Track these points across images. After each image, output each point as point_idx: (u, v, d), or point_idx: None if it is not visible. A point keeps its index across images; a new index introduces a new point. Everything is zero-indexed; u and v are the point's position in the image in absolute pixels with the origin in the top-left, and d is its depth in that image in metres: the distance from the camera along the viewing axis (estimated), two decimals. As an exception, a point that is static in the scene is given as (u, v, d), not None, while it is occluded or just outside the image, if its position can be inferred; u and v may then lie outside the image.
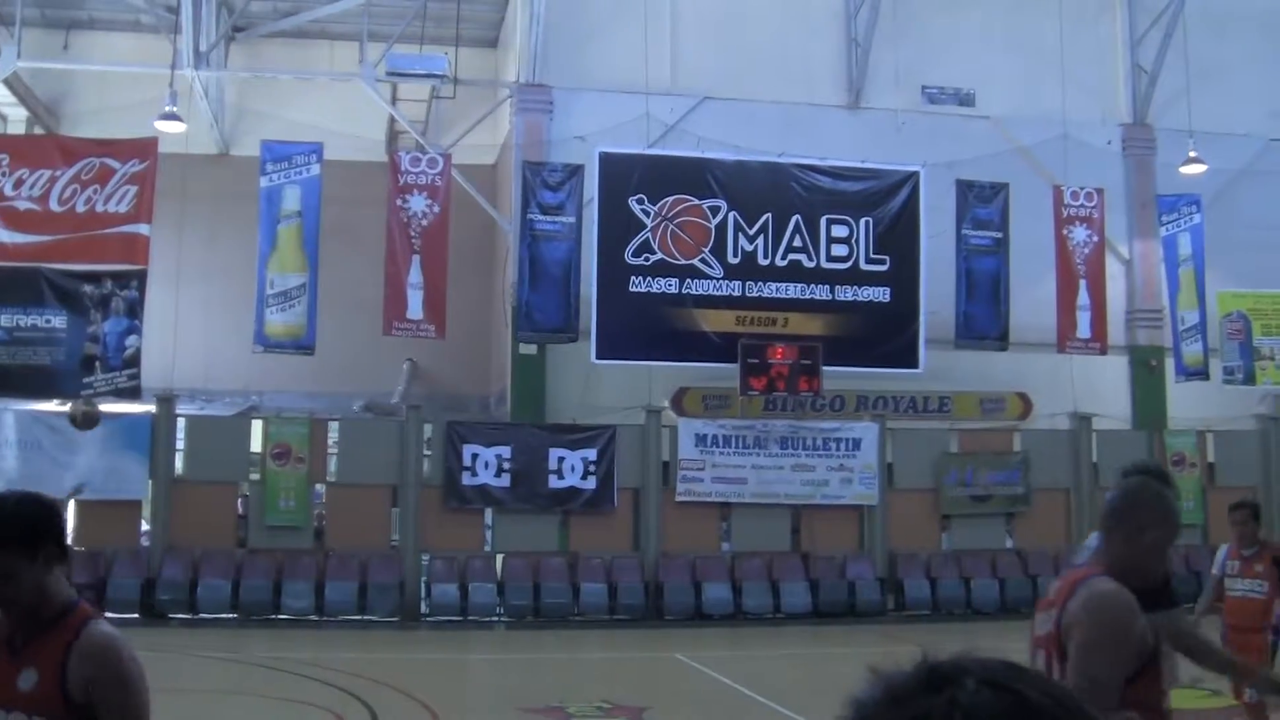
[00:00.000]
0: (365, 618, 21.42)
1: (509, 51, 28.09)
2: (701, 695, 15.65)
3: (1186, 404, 26.23)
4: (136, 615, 20.09)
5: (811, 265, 24.35)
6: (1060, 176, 25.71)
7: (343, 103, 26.73)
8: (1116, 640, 3.74)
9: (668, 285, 23.76)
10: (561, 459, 22.84)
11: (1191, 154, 25.95)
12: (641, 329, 23.48)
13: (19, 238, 21.63)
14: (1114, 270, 26.65)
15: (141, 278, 21.85)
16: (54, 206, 21.69)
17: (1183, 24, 26.51)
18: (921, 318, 24.56)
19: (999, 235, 24.70)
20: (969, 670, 1.18)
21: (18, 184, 21.66)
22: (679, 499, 23.20)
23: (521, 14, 25.59)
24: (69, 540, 3.63)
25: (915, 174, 24.80)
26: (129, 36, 28.46)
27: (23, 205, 21.66)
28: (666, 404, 24.47)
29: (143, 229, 21.90)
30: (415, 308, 22.57)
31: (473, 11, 27.45)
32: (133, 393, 21.55)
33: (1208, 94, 26.70)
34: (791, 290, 24.24)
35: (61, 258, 21.75)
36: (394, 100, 27.45)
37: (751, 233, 24.09)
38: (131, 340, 21.61)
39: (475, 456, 22.58)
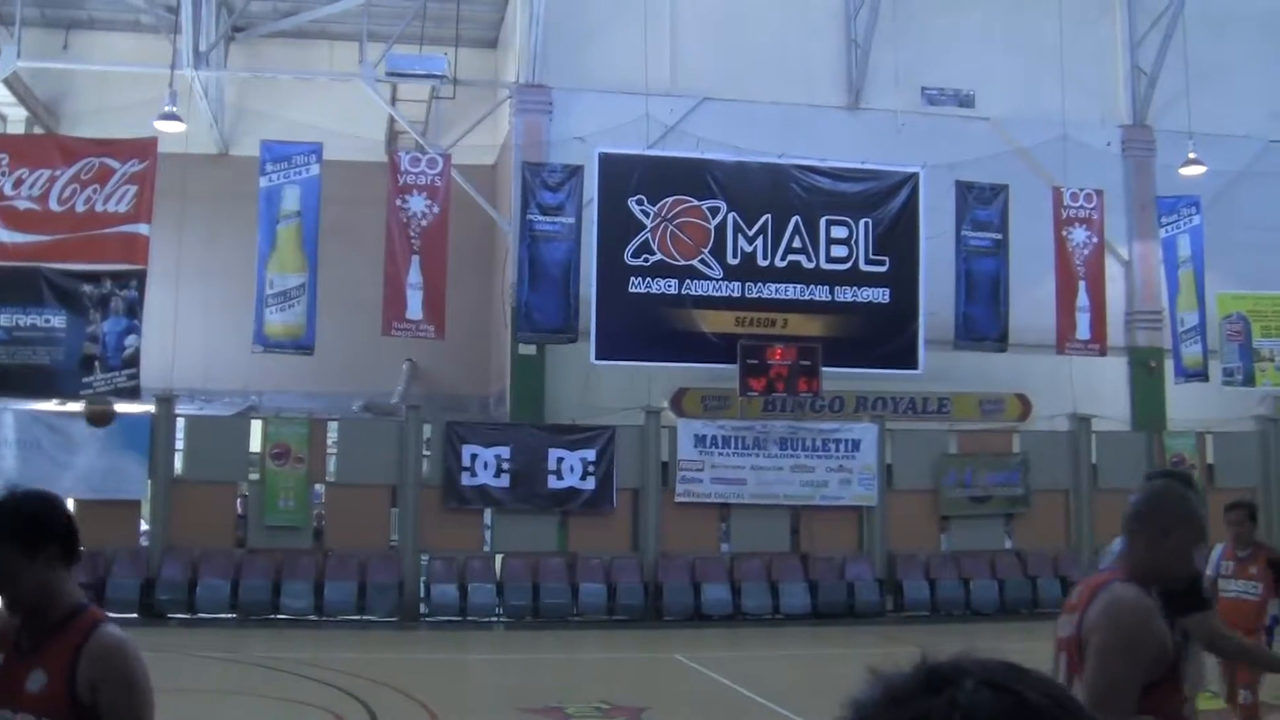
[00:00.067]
0: (364, 618, 21.42)
1: (509, 52, 28.09)
2: (700, 696, 15.65)
3: (1186, 405, 26.23)
4: (135, 615, 20.07)
5: (811, 266, 24.35)
6: (1060, 178, 25.72)
7: (342, 103, 26.73)
8: (1134, 646, 3.73)
9: (667, 286, 23.76)
10: (561, 459, 22.84)
11: (1191, 155, 25.96)
12: (641, 330, 23.48)
13: (18, 237, 21.63)
14: (1113, 271, 26.66)
15: (141, 277, 21.85)
16: (53, 206, 21.69)
17: (1182, 25, 26.51)
18: (921, 319, 24.56)
19: (998, 236, 24.70)
20: (968, 671, 1.18)
21: (17, 184, 21.65)
22: (678, 499, 23.20)
23: (521, 14, 25.59)
24: (78, 542, 3.58)
25: (915, 175, 24.80)
26: (129, 36, 28.45)
27: (22, 205, 21.65)
28: (666, 404, 24.47)
29: (142, 229, 21.90)
30: (415, 308, 22.56)
31: (472, 12, 27.46)
32: (132, 392, 21.53)
33: (1207, 95, 26.71)
34: (791, 291, 24.24)
35: (61, 257, 21.74)
36: (394, 100, 27.45)
37: (751, 233, 24.09)
38: (131, 340, 21.61)
39: (474, 457, 22.58)
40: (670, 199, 23.82)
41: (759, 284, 24.11)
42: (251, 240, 22.80)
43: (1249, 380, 25.77)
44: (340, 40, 28.03)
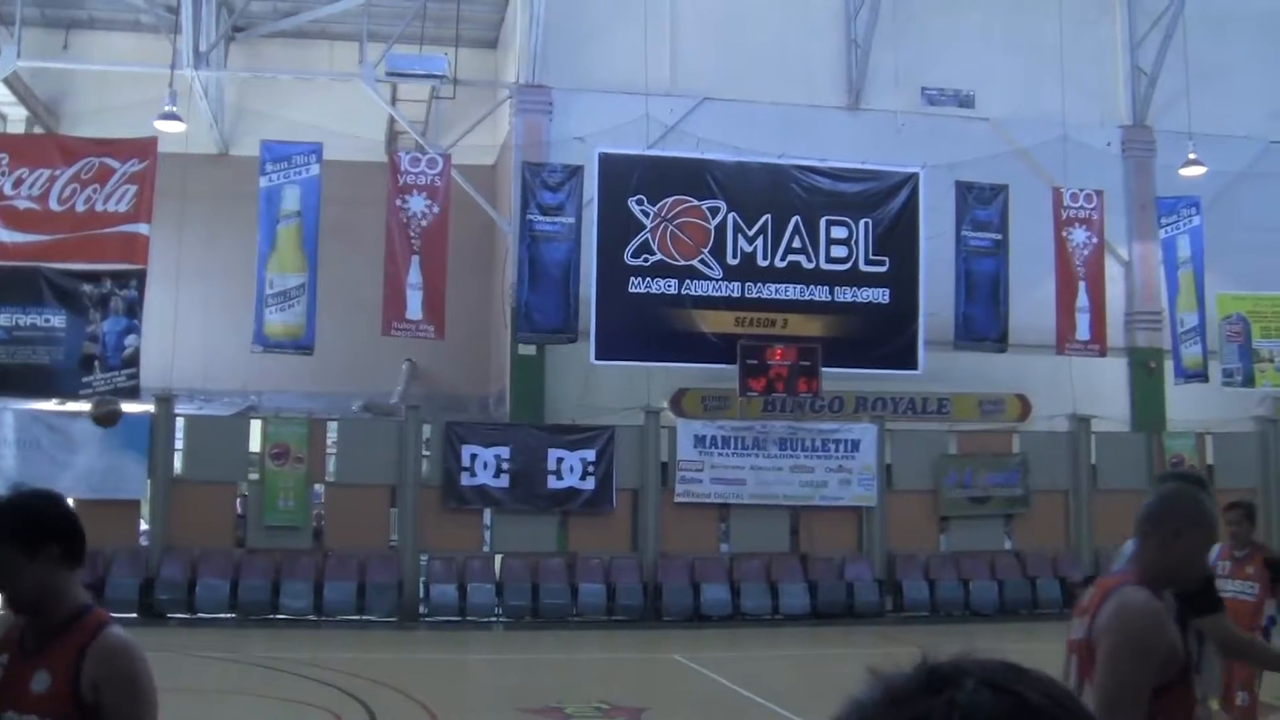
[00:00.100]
0: (363, 618, 21.42)
1: (509, 52, 28.09)
2: (700, 696, 15.65)
3: (1185, 406, 26.23)
4: (135, 615, 20.07)
5: (811, 266, 24.35)
6: (1060, 178, 25.72)
7: (342, 103, 26.73)
8: (1144, 650, 3.72)
9: (667, 286, 23.76)
10: (560, 460, 22.84)
11: (1191, 156, 25.96)
12: (640, 330, 23.48)
13: (18, 237, 21.63)
14: (1113, 272, 26.65)
15: (141, 277, 21.85)
16: (53, 206, 21.69)
17: (1182, 26, 26.51)
18: (920, 319, 24.56)
19: (998, 237, 24.71)
20: (968, 671, 1.18)
21: (17, 183, 21.65)
22: (678, 500, 23.20)
23: (521, 15, 25.59)
24: (82, 543, 3.56)
25: (915, 175, 24.81)
26: (129, 36, 28.45)
27: (22, 204, 21.65)
28: (665, 405, 24.46)
29: (142, 228, 21.90)
30: (414, 308, 22.56)
31: (472, 12, 27.46)
32: (131, 392, 21.52)
33: (1207, 96, 26.71)
34: (791, 291, 24.25)
35: (61, 257, 21.74)
36: (394, 100, 27.45)
37: (751, 234, 24.09)
38: (130, 340, 21.61)
39: (474, 457, 22.58)
40: (670, 199, 23.83)
41: (759, 284, 24.12)
42: (251, 240, 22.80)
43: (1248, 381, 25.77)
44: (340, 40, 28.03)
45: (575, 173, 23.39)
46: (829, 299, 24.38)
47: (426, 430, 23.16)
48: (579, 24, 25.63)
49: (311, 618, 21.22)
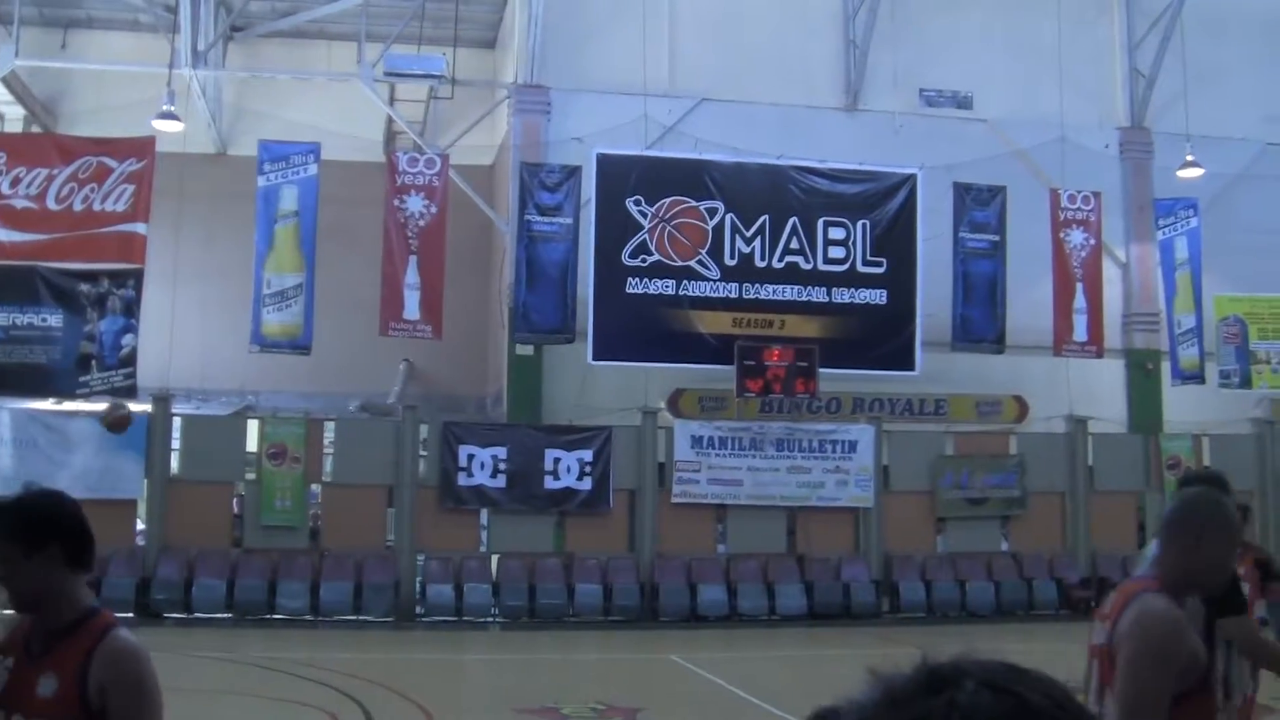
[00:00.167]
0: (360, 618, 21.41)
1: (507, 52, 28.09)
2: (696, 697, 15.65)
3: (1182, 407, 26.24)
4: (131, 615, 20.03)
5: (808, 267, 24.36)
6: (1057, 180, 25.73)
7: (340, 103, 26.72)
8: (1164, 658, 3.72)
9: (664, 287, 23.77)
10: (557, 460, 22.83)
11: (1189, 158, 25.98)
12: (638, 330, 23.48)
13: (16, 236, 21.62)
14: (1111, 274, 26.66)
15: (138, 277, 21.83)
16: (51, 205, 21.68)
17: (1180, 28, 26.54)
18: (918, 320, 24.58)
19: (996, 238, 24.72)
20: (968, 672, 1.18)
21: (15, 182, 21.65)
22: (675, 500, 23.20)
23: (520, 15, 25.59)
24: (88, 545, 3.53)
25: (912, 176, 24.83)
26: (127, 35, 28.44)
27: (20, 204, 21.64)
28: (663, 405, 24.46)
29: (140, 228, 21.89)
30: (412, 308, 22.56)
31: (471, 12, 27.46)
32: (128, 392, 21.48)
33: (1205, 98, 26.72)
34: (788, 292, 24.26)
35: (58, 256, 21.72)
36: (392, 100, 27.43)
37: (749, 234, 24.10)
38: (128, 339, 21.59)
39: (471, 457, 22.58)
40: (668, 200, 23.84)
41: (756, 285, 24.13)
42: (249, 240, 22.79)
43: (1246, 382, 25.79)
44: (338, 40, 28.01)
45: (573, 173, 23.39)
46: (826, 300, 24.39)
47: (424, 430, 23.15)
48: (577, 24, 25.64)
49: (308, 618, 21.21)
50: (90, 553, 3.53)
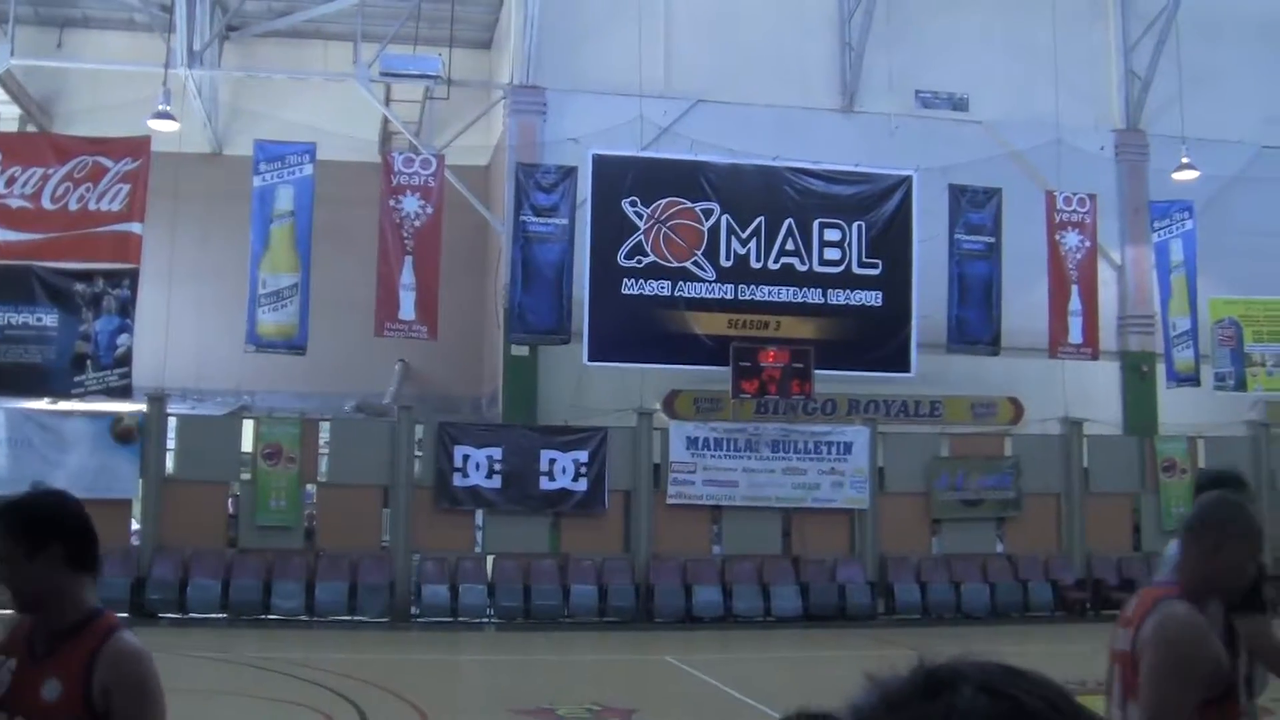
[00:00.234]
0: (355, 618, 21.39)
1: (503, 53, 28.09)
2: (691, 698, 15.64)
3: (1177, 410, 26.26)
4: (126, 614, 20.01)
5: (804, 269, 24.37)
6: (1053, 182, 25.75)
7: (336, 103, 26.72)
8: (1188, 667, 3.70)
9: (660, 288, 23.77)
10: (553, 461, 22.82)
11: (1184, 160, 25.98)
12: (633, 331, 23.49)
13: (11, 235, 21.59)
14: (1106, 276, 26.67)
15: (133, 276, 21.80)
16: (46, 204, 21.65)
17: (1176, 30, 26.54)
18: (913, 322, 24.60)
19: (991, 240, 24.73)
20: (965, 676, 1.18)
21: (10, 182, 21.62)
22: (670, 501, 23.18)
23: (515, 15, 25.60)
24: (91, 546, 3.51)
25: (908, 178, 24.84)
26: (123, 35, 28.42)
27: (15, 203, 21.62)
28: (658, 406, 24.45)
29: (135, 228, 21.87)
30: (407, 308, 22.54)
31: (467, 13, 27.44)
32: (124, 391, 21.49)
33: (1201, 100, 26.73)
34: (784, 293, 24.26)
35: (53, 256, 21.69)
36: (387, 101, 27.43)
37: (744, 236, 24.11)
38: (123, 339, 21.56)
39: (466, 458, 22.56)
40: (663, 201, 23.84)
41: (752, 286, 24.13)
42: (244, 240, 22.76)
43: (1241, 385, 25.80)
44: (334, 40, 27.98)
45: (569, 174, 23.39)
46: (822, 301, 24.40)
47: (419, 431, 23.13)
48: (573, 25, 25.63)
49: (303, 618, 21.18)
50: (94, 554, 3.51)
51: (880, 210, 24.73)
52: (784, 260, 24.27)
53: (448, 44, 25.00)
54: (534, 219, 23.19)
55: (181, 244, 26.80)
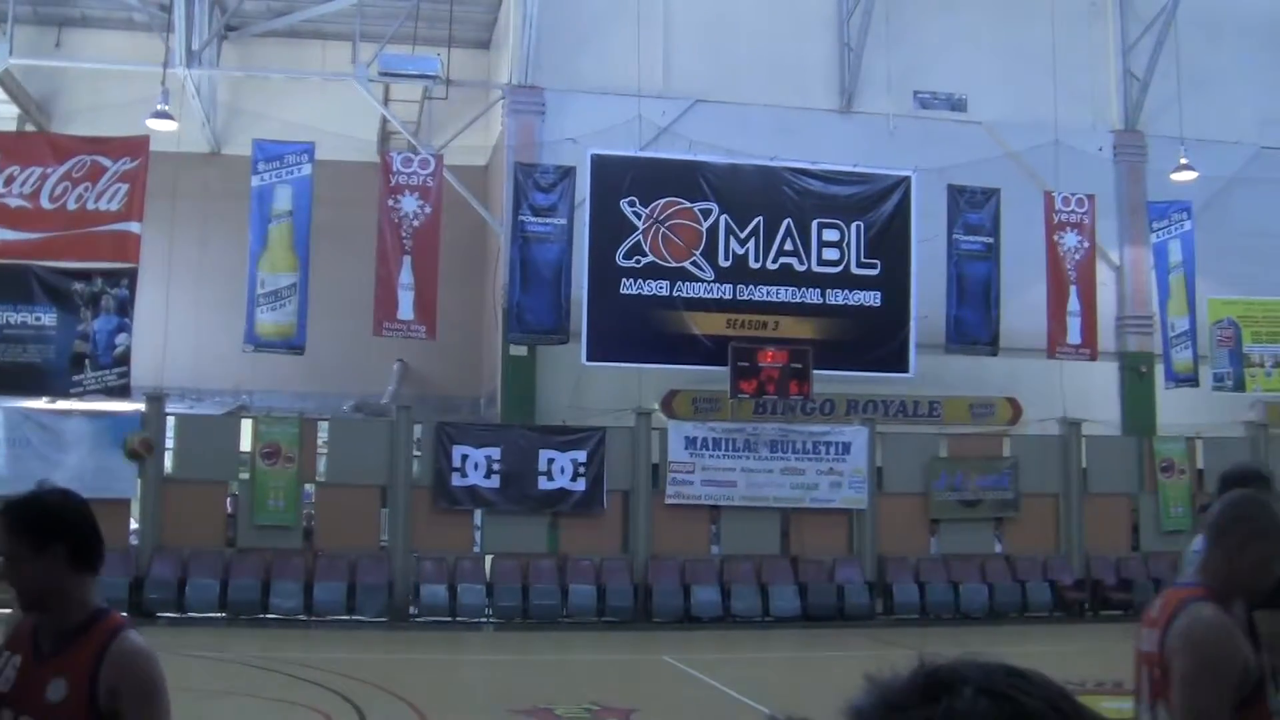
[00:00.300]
0: (354, 618, 21.38)
1: (501, 53, 28.08)
2: (689, 698, 15.63)
3: (1176, 410, 26.26)
4: (125, 614, 19.99)
5: (802, 269, 24.37)
6: (1051, 182, 25.75)
7: (335, 103, 26.71)
8: (1218, 672, 3.68)
9: (658, 288, 23.77)
10: (551, 461, 22.81)
11: (1183, 161, 25.98)
12: (632, 331, 23.49)
13: (9, 235, 21.57)
14: (1104, 276, 26.68)
15: (132, 276, 21.79)
16: (45, 204, 21.64)
17: (1175, 31, 26.54)
18: (912, 322, 24.61)
19: (990, 240, 24.74)
20: (966, 678, 1.17)
21: (8, 181, 21.60)
22: (668, 501, 23.18)
23: (514, 15, 25.59)
24: (96, 546, 3.50)
25: (907, 178, 24.84)
26: (121, 34, 28.39)
27: (13, 203, 21.60)
28: (656, 406, 24.44)
29: (133, 227, 21.86)
30: (406, 308, 22.53)
31: (465, 13, 27.42)
32: (122, 391, 21.49)
33: (1199, 101, 26.75)
34: (782, 294, 24.26)
35: (52, 255, 21.69)
36: (386, 101, 27.41)
37: (743, 236, 24.10)
38: (121, 338, 21.55)
39: (465, 457, 22.55)
40: (662, 201, 23.84)
41: (750, 286, 24.13)
42: (243, 239, 22.75)
43: (1239, 385, 25.81)
44: (333, 40, 27.97)
45: (567, 174, 23.39)
46: (820, 301, 24.40)
47: (417, 430, 23.12)
48: (572, 25, 25.63)
49: (302, 618, 21.18)
50: (98, 554, 3.51)
51: (879, 211, 24.74)
52: (782, 260, 24.27)
53: (446, 44, 24.99)
54: (532, 219, 23.18)
55: (180, 243, 26.78)
